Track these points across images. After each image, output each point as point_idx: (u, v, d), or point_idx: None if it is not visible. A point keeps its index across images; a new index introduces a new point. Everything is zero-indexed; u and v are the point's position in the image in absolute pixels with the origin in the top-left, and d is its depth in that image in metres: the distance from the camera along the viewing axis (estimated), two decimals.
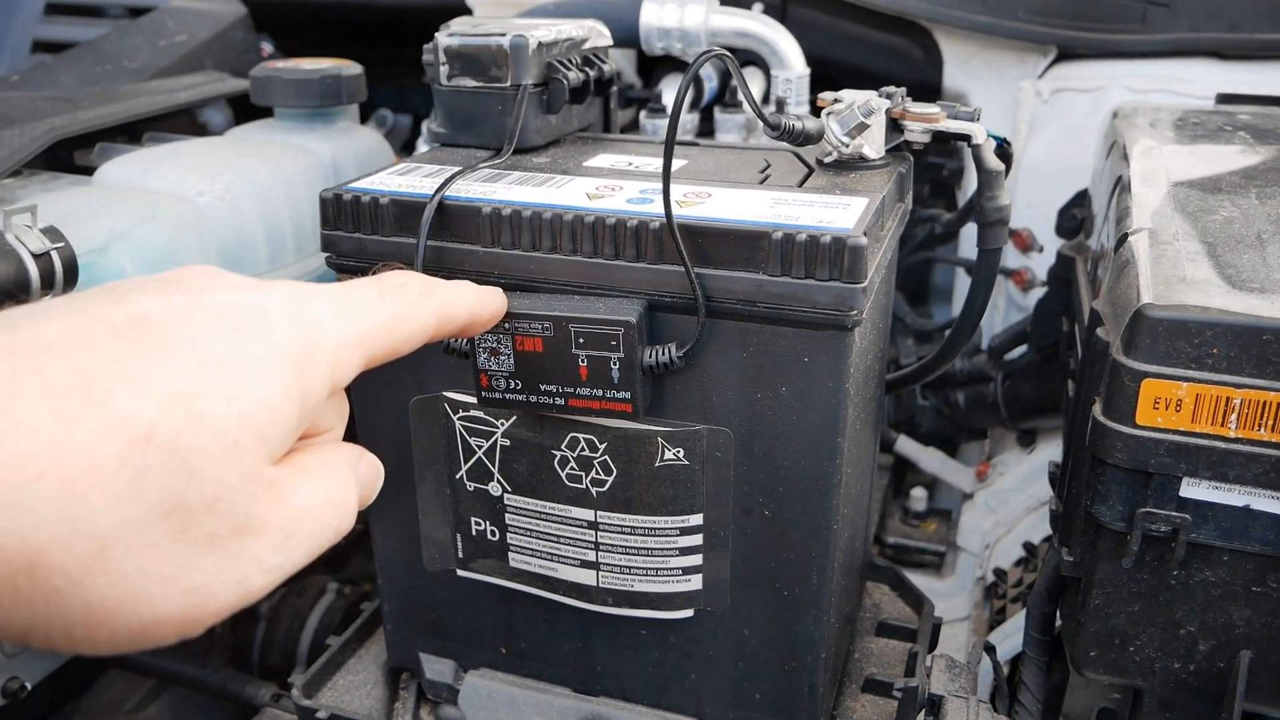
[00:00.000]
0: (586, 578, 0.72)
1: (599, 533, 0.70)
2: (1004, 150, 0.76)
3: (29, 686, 0.93)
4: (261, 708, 0.98)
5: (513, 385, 0.65)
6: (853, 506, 0.74)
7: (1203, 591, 0.65)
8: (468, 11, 1.36)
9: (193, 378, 0.34)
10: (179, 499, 0.32)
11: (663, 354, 0.63)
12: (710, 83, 1.28)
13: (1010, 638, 1.07)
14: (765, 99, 1.25)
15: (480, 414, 0.70)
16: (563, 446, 0.69)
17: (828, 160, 0.75)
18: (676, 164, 0.76)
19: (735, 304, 0.62)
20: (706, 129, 1.28)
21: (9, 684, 0.91)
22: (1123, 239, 0.72)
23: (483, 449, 0.71)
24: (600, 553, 0.71)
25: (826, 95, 0.74)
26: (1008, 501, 1.30)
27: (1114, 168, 0.92)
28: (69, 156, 1.05)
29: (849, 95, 0.73)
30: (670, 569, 0.71)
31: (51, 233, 0.75)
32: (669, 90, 1.28)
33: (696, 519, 0.69)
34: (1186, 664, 0.67)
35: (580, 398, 0.64)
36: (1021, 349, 1.25)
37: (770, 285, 0.60)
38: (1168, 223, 0.72)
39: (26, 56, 1.41)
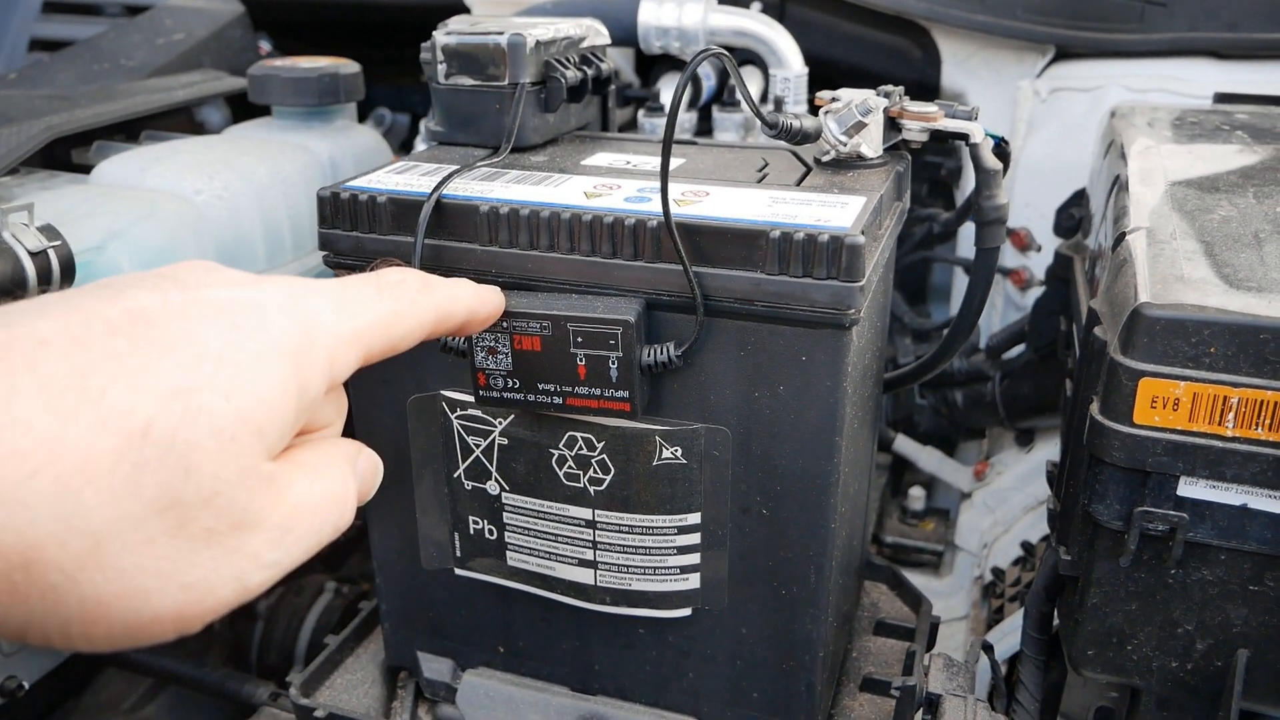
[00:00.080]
0: (584, 576, 0.72)
1: (597, 531, 0.70)
2: (1002, 149, 0.76)
3: (26, 685, 0.93)
4: (259, 706, 0.98)
5: (510, 384, 0.65)
6: (850, 505, 0.74)
7: (1200, 590, 0.65)
8: (466, 10, 1.36)
9: (190, 373, 0.33)
10: (176, 495, 0.32)
11: (661, 353, 0.63)
12: (708, 81, 1.28)
13: (1008, 637, 1.07)
14: (763, 98, 1.25)
15: (478, 413, 0.70)
16: (560, 445, 0.69)
17: (825, 159, 0.75)
18: (674, 163, 0.76)
19: (733, 303, 0.62)
20: (704, 128, 1.28)
21: (7, 682, 0.91)
22: (1120, 238, 0.72)
23: (480, 448, 0.71)
24: (598, 551, 0.71)
25: (824, 94, 0.74)
26: (1006, 501, 1.30)
27: (1112, 167, 0.92)
28: (66, 155, 1.05)
29: (847, 94, 0.73)
30: (668, 568, 0.71)
31: (48, 231, 0.75)
32: (667, 89, 1.28)
33: (694, 518, 0.69)
34: (1184, 663, 0.67)
35: (578, 397, 0.64)
36: (1019, 348, 1.25)
37: (768, 284, 0.60)
38: (1165, 222, 0.72)
39: (24, 55, 1.41)
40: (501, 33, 0.77)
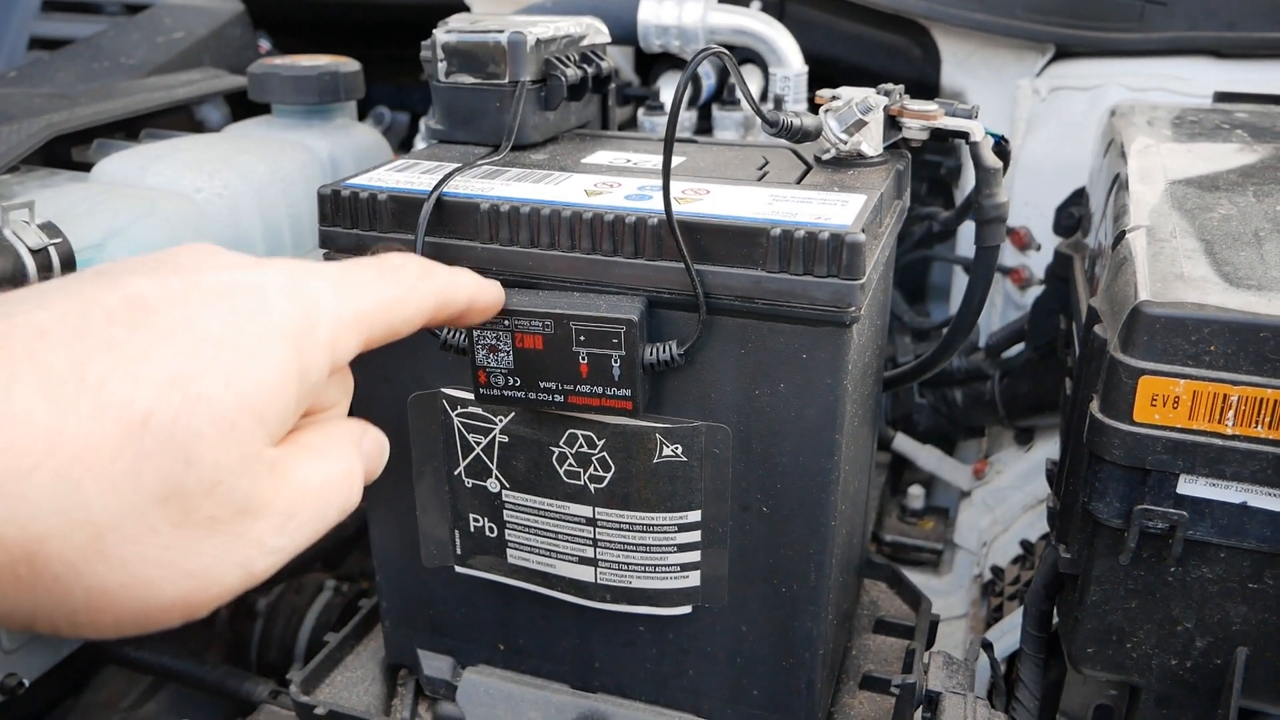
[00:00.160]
0: (584, 574, 0.73)
1: (597, 529, 0.71)
2: (1002, 148, 0.76)
3: (27, 683, 0.93)
4: (259, 704, 0.98)
5: (511, 382, 0.66)
6: (850, 503, 0.74)
7: (1200, 588, 0.65)
8: (465, 8, 1.36)
9: (188, 360, 0.33)
10: (177, 484, 0.32)
11: (663, 352, 0.63)
12: (708, 80, 1.28)
13: (1007, 635, 1.07)
14: (763, 96, 1.25)
15: (479, 410, 0.70)
16: (561, 443, 0.69)
17: (826, 157, 0.75)
18: (675, 161, 0.76)
19: (733, 300, 0.62)
20: (704, 126, 1.28)
21: (7, 680, 0.91)
22: (1120, 236, 0.72)
23: (481, 445, 0.71)
24: (598, 549, 0.71)
25: (825, 92, 0.74)
26: (1005, 499, 1.30)
27: (1111, 166, 0.92)
28: (66, 153, 1.05)
29: (847, 93, 0.73)
30: (668, 565, 0.71)
31: (49, 228, 0.75)
32: (667, 87, 1.28)
33: (695, 515, 0.69)
34: (1183, 660, 0.67)
35: (580, 395, 0.65)
36: (1019, 347, 1.25)
37: (768, 282, 0.61)
38: (1165, 220, 0.72)
39: (24, 53, 1.41)
40: (502, 31, 0.77)
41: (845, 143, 0.73)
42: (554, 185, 0.69)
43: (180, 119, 1.17)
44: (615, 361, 0.63)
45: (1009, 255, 1.35)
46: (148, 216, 0.85)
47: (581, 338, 0.63)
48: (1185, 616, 0.66)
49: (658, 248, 0.63)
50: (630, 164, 0.76)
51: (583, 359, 0.63)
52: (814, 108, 0.76)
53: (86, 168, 0.96)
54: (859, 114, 0.72)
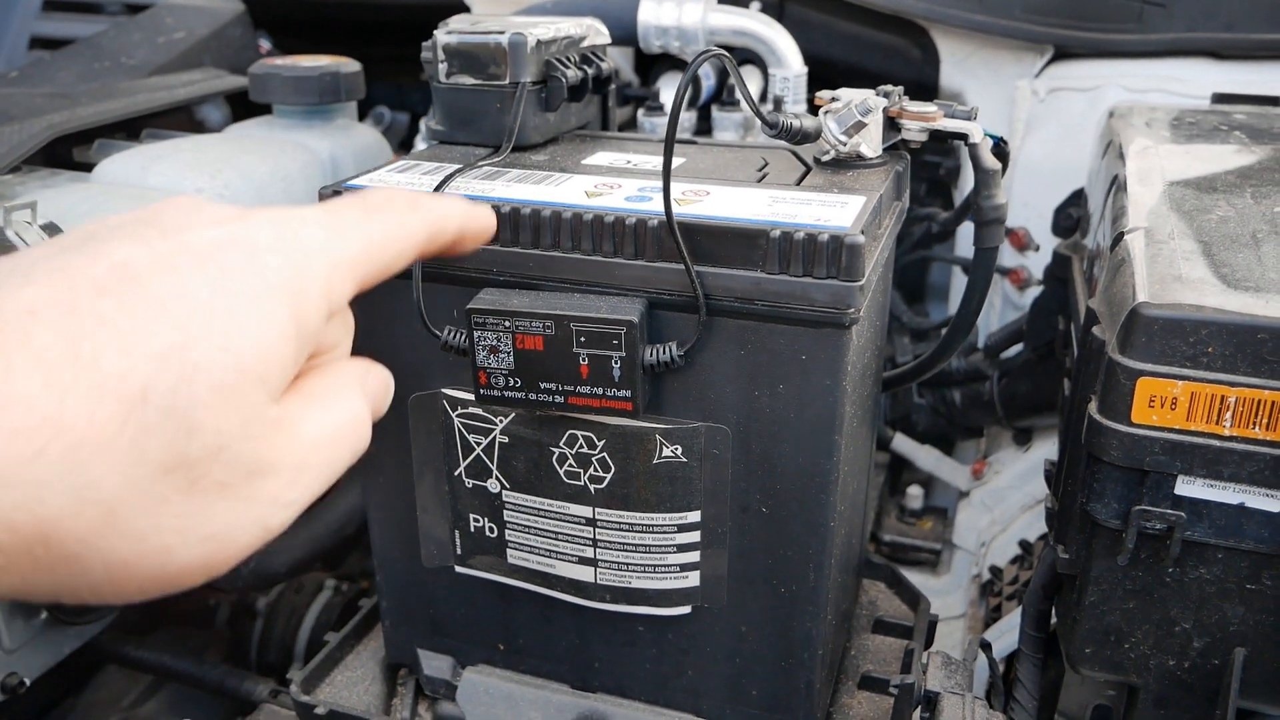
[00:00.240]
0: (584, 574, 0.73)
1: (597, 529, 0.71)
2: (1001, 149, 0.76)
3: (28, 682, 0.93)
4: (259, 704, 0.98)
5: (512, 383, 0.66)
6: (849, 504, 0.75)
7: (1197, 589, 0.65)
8: (466, 9, 1.36)
9: (182, 329, 0.33)
10: (182, 454, 0.32)
11: (663, 353, 0.63)
12: (708, 81, 1.28)
13: (1006, 635, 1.07)
14: (763, 97, 1.26)
15: (479, 411, 0.70)
16: (561, 444, 0.69)
17: (825, 159, 0.75)
18: (675, 162, 0.76)
19: (733, 302, 0.62)
20: (704, 127, 1.28)
21: (8, 679, 0.91)
22: (1118, 238, 0.72)
23: (481, 446, 0.72)
24: (598, 549, 0.71)
25: (824, 94, 0.74)
26: (1003, 499, 1.30)
27: (1110, 167, 0.93)
28: (68, 153, 1.05)
29: (846, 94, 0.73)
30: (668, 565, 0.71)
31: (51, 229, 0.75)
32: (667, 88, 1.29)
33: (694, 516, 0.69)
34: (1181, 661, 0.67)
35: (580, 396, 0.65)
36: (1017, 347, 1.26)
37: (768, 283, 0.61)
38: (1163, 222, 0.72)
39: (24, 53, 1.41)
40: (502, 32, 0.77)
41: (844, 144, 0.73)
42: (554, 186, 0.69)
43: (181, 119, 1.17)
44: (615, 362, 0.63)
45: (1007, 256, 1.35)
46: None
47: (582, 339, 0.63)
48: (1183, 617, 0.66)
49: (658, 249, 0.63)
50: (630, 165, 0.76)
51: (583, 360, 0.63)
52: (813, 109, 0.76)
53: (88, 168, 0.97)
54: (858, 116, 0.72)
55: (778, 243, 0.60)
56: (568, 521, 0.71)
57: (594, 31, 0.86)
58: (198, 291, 0.34)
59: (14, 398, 0.30)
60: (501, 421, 0.70)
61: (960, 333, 0.82)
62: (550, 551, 0.73)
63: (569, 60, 0.82)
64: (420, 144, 1.24)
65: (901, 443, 1.40)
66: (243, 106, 1.17)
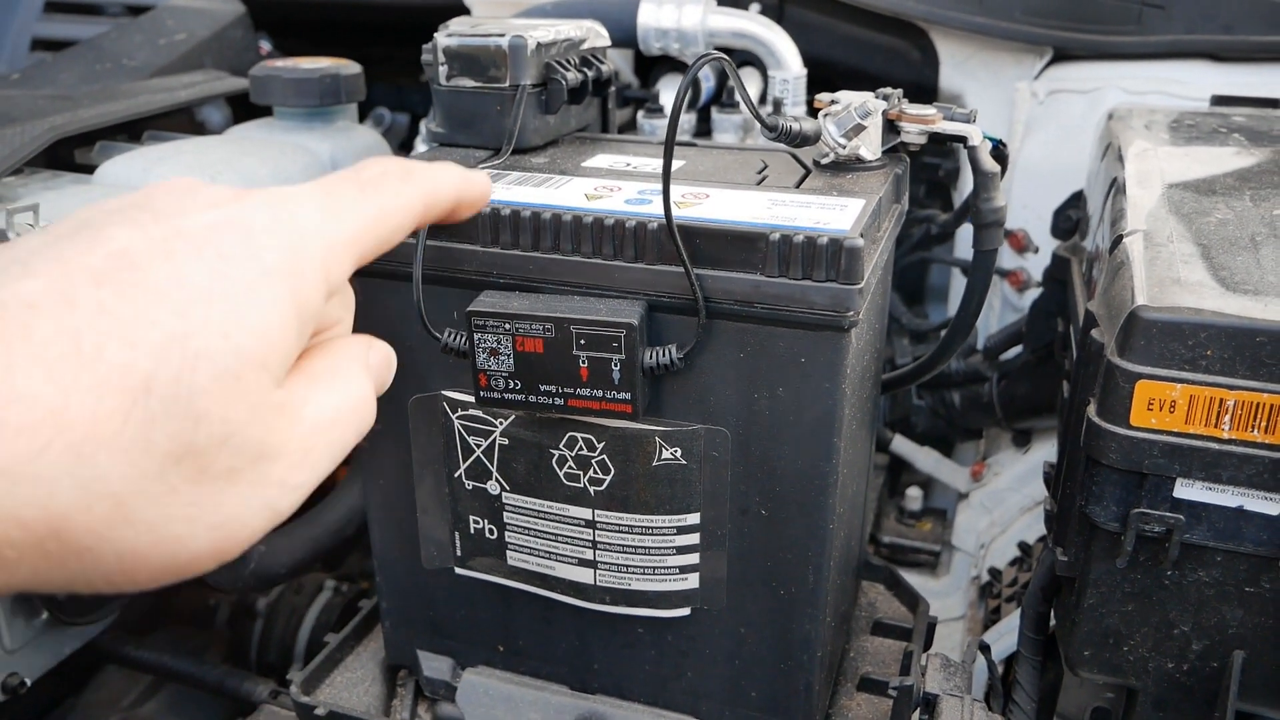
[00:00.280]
0: (584, 576, 0.73)
1: (596, 531, 0.71)
2: (1000, 152, 0.76)
3: (28, 682, 0.93)
4: (259, 704, 0.98)
5: (512, 385, 0.66)
6: (849, 506, 0.75)
7: (1196, 591, 0.65)
8: (465, 10, 1.36)
9: (182, 317, 0.32)
10: (189, 443, 0.32)
11: (663, 355, 0.63)
12: (708, 83, 1.28)
13: (1005, 637, 1.07)
14: (762, 99, 1.26)
15: (479, 413, 0.71)
16: (561, 446, 0.69)
17: (825, 161, 0.75)
18: (674, 165, 0.76)
19: (733, 305, 0.62)
20: (704, 129, 1.28)
21: (9, 680, 0.91)
22: (1117, 241, 0.72)
23: (481, 448, 0.72)
24: (598, 551, 0.72)
25: (824, 96, 0.75)
26: (1003, 501, 1.30)
27: (1109, 169, 0.93)
28: (69, 155, 1.05)
29: (846, 97, 0.73)
30: (667, 567, 0.71)
31: None
32: (666, 90, 1.29)
33: (693, 518, 0.69)
34: (1180, 664, 0.67)
35: (580, 398, 0.65)
36: (1017, 349, 1.26)
37: (767, 286, 0.61)
38: (1162, 225, 0.72)
39: (26, 54, 1.41)
40: (503, 35, 0.77)
41: (844, 147, 0.73)
42: (554, 189, 0.69)
43: (182, 121, 1.18)
44: (615, 365, 0.63)
45: (1007, 257, 1.35)
46: None
47: (582, 341, 0.63)
48: (1182, 620, 0.66)
49: (658, 252, 0.63)
50: (630, 168, 0.76)
51: (583, 362, 0.63)
52: (812, 111, 0.76)
53: (89, 170, 0.97)
54: (858, 118, 0.72)
55: (777, 246, 0.60)
56: (567, 523, 0.71)
57: (594, 34, 0.87)
58: (196, 278, 0.33)
59: (17, 394, 0.30)
60: (501, 423, 0.70)
61: (959, 334, 0.83)
62: (550, 553, 0.73)
63: (569, 63, 0.82)
64: (420, 146, 1.24)
65: (901, 444, 1.40)
66: (243, 108, 1.17)
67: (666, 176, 0.59)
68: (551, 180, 0.71)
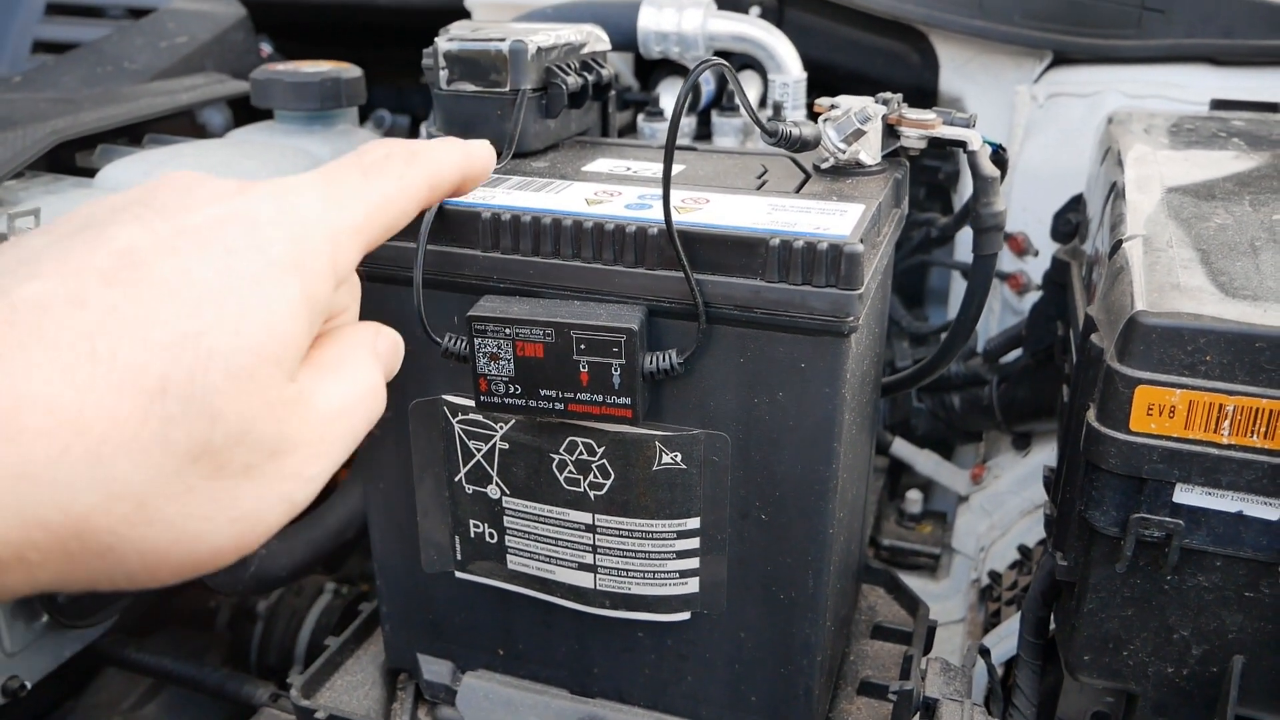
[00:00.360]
0: (584, 580, 0.73)
1: (596, 535, 0.71)
2: (999, 156, 0.76)
3: (29, 685, 0.93)
4: (259, 707, 0.98)
5: (512, 390, 0.66)
6: (849, 510, 0.75)
7: (1196, 596, 0.65)
8: (465, 13, 1.37)
9: (193, 316, 0.32)
10: (205, 442, 0.32)
11: (663, 360, 0.63)
12: (708, 86, 1.28)
13: (1005, 641, 1.08)
14: (762, 102, 1.26)
15: (479, 417, 0.71)
16: (561, 450, 0.69)
17: (824, 166, 0.75)
18: (674, 169, 0.77)
19: (732, 310, 0.62)
20: (703, 132, 1.28)
21: (9, 683, 0.91)
22: (1117, 245, 0.72)
23: (481, 452, 0.72)
24: (598, 555, 0.72)
25: (823, 101, 0.75)
26: (1002, 504, 1.30)
27: (1109, 173, 0.93)
28: (70, 158, 1.05)
29: (846, 102, 0.73)
30: (667, 572, 0.71)
31: None
32: (666, 93, 1.29)
33: (693, 522, 0.69)
34: (1180, 668, 0.67)
35: (580, 403, 0.65)
36: (1016, 353, 1.26)
37: (767, 291, 0.61)
38: (1162, 229, 0.72)
39: (27, 57, 1.41)
40: (503, 39, 0.77)
41: (844, 152, 0.73)
42: (555, 194, 0.70)
43: (183, 124, 1.18)
44: (615, 370, 0.63)
45: (1007, 261, 1.35)
46: None
47: (582, 346, 0.63)
48: (1181, 624, 0.66)
49: (658, 257, 0.63)
50: (630, 172, 0.76)
51: (583, 367, 0.64)
52: (812, 116, 0.76)
53: (90, 173, 0.97)
54: (857, 123, 0.72)
55: (777, 251, 0.60)
56: (567, 527, 0.71)
57: (594, 38, 0.87)
58: (204, 274, 0.34)
59: (34, 399, 0.30)
60: (501, 428, 0.70)
61: (959, 338, 0.83)
62: (550, 557, 0.73)
63: (569, 67, 0.82)
64: None
65: (901, 447, 1.40)
66: (244, 111, 1.17)
67: (667, 182, 0.59)
68: (552, 185, 0.72)
